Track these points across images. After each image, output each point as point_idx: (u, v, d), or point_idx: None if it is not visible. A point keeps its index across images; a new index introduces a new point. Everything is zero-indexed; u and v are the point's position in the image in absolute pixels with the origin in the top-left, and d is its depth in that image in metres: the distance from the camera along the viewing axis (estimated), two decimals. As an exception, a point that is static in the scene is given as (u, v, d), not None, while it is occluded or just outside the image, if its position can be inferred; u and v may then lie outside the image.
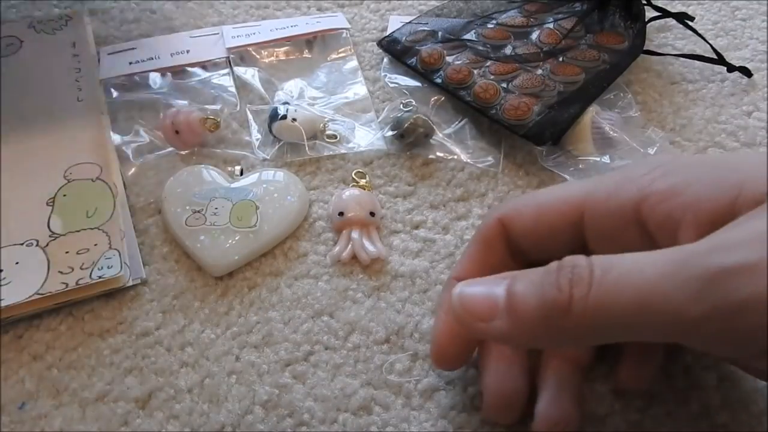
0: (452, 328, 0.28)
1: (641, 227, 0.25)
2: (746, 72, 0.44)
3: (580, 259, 0.22)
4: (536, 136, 0.39)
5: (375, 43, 0.47)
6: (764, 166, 0.22)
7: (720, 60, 0.45)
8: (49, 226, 0.36)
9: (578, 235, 0.27)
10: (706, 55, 0.45)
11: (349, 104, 0.44)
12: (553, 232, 0.27)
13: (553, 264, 0.23)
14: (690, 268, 0.20)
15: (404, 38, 0.46)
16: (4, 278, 0.33)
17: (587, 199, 0.27)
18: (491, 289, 0.24)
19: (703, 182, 0.23)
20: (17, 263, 0.34)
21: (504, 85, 0.42)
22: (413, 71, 0.44)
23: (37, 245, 0.35)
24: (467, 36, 0.46)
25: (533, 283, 0.23)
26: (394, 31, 0.47)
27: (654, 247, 0.22)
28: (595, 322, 0.21)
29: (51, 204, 0.37)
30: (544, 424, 0.26)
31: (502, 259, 0.29)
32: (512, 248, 0.29)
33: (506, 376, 0.28)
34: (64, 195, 0.37)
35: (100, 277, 0.33)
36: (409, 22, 0.47)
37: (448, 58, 0.44)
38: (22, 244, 0.35)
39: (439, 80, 0.43)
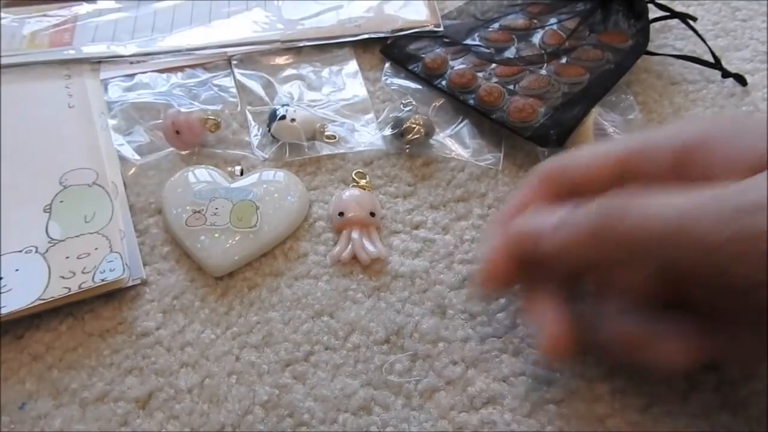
0: (506, 249, 0.30)
1: (680, 177, 0.27)
2: (741, 80, 0.44)
3: (627, 191, 0.26)
4: (541, 138, 0.39)
5: (375, 46, 0.47)
6: None
7: (717, 65, 0.44)
8: (47, 233, 0.35)
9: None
10: (705, 58, 0.45)
11: (348, 105, 0.44)
12: (599, 184, 0.29)
13: (607, 194, 0.26)
14: (718, 202, 0.23)
15: (407, 45, 0.46)
16: (5, 285, 0.33)
17: (642, 148, 0.29)
18: (551, 214, 0.28)
19: (740, 138, 0.26)
20: (17, 270, 0.34)
21: (511, 86, 0.42)
22: (416, 77, 0.44)
23: (36, 252, 0.35)
24: (470, 41, 0.46)
25: (587, 208, 0.26)
26: (396, 39, 0.46)
27: None
28: (636, 240, 0.25)
29: (48, 210, 0.37)
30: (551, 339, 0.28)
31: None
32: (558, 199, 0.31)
33: (558, 316, 0.29)
34: (61, 201, 0.37)
35: (103, 280, 0.33)
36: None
37: (452, 63, 0.44)
38: (21, 251, 0.35)
39: (442, 84, 0.43)
